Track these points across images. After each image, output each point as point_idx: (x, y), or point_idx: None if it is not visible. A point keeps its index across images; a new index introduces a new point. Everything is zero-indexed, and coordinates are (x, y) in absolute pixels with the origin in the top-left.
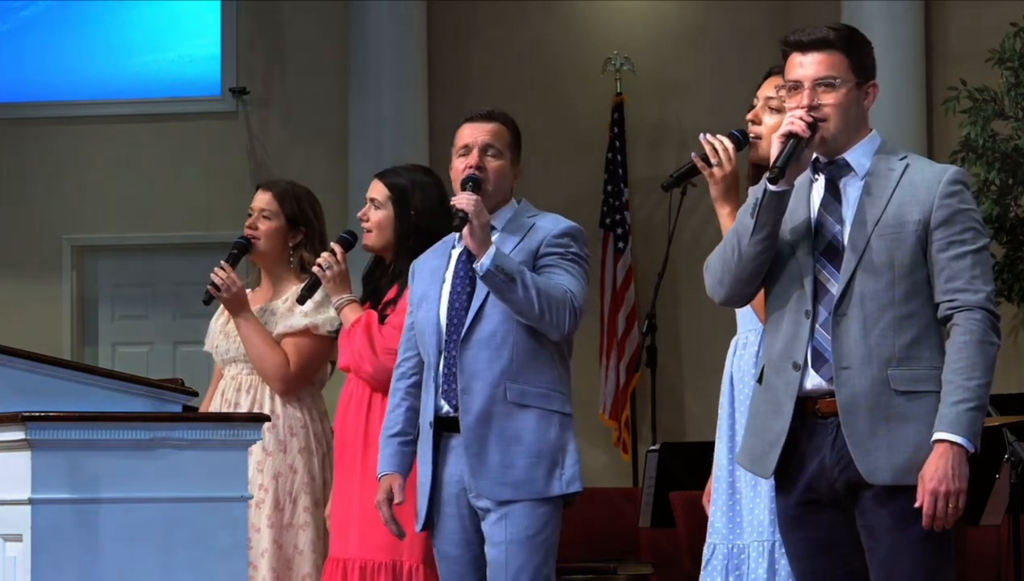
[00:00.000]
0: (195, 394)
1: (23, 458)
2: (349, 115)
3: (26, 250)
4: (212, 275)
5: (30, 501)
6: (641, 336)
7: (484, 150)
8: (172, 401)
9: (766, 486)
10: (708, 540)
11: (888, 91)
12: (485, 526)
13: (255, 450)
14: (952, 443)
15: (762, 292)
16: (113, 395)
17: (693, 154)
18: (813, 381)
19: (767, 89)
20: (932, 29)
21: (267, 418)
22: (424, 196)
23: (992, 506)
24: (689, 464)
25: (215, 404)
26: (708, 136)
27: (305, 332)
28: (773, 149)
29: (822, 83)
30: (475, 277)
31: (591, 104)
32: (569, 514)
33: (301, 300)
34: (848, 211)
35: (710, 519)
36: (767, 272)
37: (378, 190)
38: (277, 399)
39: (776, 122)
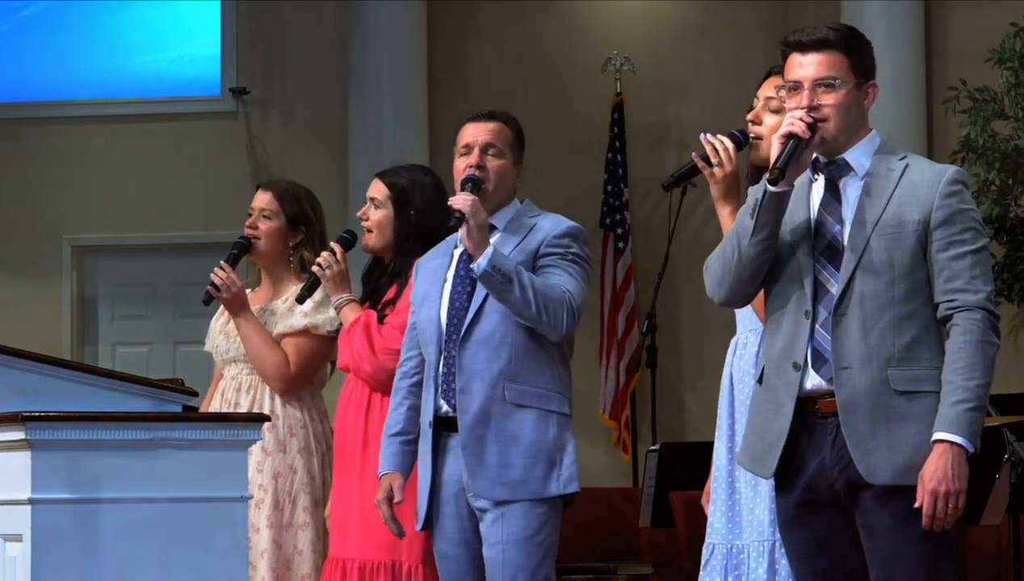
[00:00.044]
0: (195, 394)
1: (23, 458)
2: (349, 115)
3: (26, 250)
4: (212, 275)
5: (30, 501)
6: (641, 336)
7: (485, 149)
8: (172, 401)
9: (766, 486)
10: (707, 540)
11: (888, 91)
12: (483, 526)
13: (255, 450)
14: (952, 443)
15: (762, 292)
16: (113, 395)
17: (693, 154)
18: (813, 381)
19: (767, 89)
20: (932, 29)
21: (267, 418)
22: (424, 196)
23: (992, 506)
24: (689, 464)
25: (215, 404)
26: (708, 136)
27: (305, 332)
28: (773, 150)
29: (822, 83)
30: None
31: (591, 104)
32: (569, 514)
33: (301, 300)
34: (848, 211)
35: (709, 519)
36: (767, 272)
37: (378, 189)
38: (277, 399)
39: (776, 122)
